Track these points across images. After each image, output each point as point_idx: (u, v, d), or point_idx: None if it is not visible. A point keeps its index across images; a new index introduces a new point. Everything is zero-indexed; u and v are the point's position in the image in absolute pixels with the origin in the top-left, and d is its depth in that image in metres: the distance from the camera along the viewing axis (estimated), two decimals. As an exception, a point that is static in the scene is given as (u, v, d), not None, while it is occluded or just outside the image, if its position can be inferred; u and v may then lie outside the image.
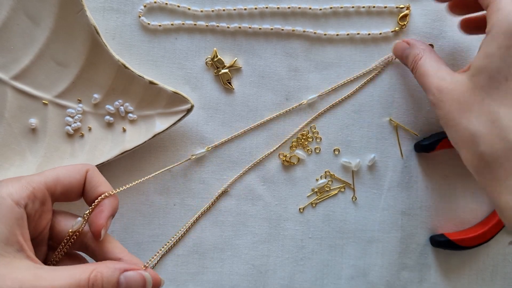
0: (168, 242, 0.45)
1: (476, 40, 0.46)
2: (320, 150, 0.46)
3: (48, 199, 0.32)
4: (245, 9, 0.45)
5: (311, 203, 0.46)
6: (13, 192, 0.29)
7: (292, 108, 0.45)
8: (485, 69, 0.32)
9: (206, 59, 0.44)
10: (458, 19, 0.45)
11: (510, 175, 0.31)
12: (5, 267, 0.27)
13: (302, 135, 0.46)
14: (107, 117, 0.43)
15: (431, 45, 0.44)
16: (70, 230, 0.33)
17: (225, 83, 0.43)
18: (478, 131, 0.32)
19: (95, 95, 0.43)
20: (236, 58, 0.44)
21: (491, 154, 0.31)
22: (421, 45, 0.40)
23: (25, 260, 0.28)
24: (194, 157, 0.44)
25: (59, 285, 0.27)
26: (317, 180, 0.46)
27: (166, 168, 0.43)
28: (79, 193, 0.34)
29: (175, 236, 0.45)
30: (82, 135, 0.43)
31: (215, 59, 0.43)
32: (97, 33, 0.41)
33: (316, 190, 0.46)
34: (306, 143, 0.46)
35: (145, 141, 0.42)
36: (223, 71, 0.44)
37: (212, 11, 0.45)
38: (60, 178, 0.32)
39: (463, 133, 0.33)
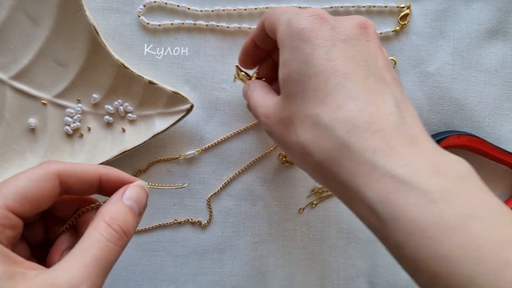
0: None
1: (476, 39, 0.46)
2: (320, 150, 0.46)
3: (18, 222, 0.26)
4: (245, 9, 0.44)
5: (311, 203, 0.46)
6: None
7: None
8: (287, 76, 0.30)
9: (234, 78, 0.44)
10: (453, 21, 0.44)
11: (350, 175, 0.27)
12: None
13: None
14: (107, 117, 0.43)
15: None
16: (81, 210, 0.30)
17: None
18: (306, 140, 0.29)
19: (95, 95, 0.43)
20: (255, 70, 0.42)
21: (326, 160, 0.28)
22: (255, 82, 0.38)
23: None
24: (182, 157, 0.44)
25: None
26: (316, 180, 0.46)
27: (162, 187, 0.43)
28: (52, 201, 0.28)
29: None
30: (82, 135, 0.43)
31: (241, 75, 0.42)
32: (97, 32, 0.41)
33: (316, 190, 0.46)
34: (306, 143, 0.46)
35: (145, 141, 0.42)
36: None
37: (212, 11, 0.44)
38: (25, 194, 0.26)
39: (296, 150, 0.30)
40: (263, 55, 0.39)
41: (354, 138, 0.27)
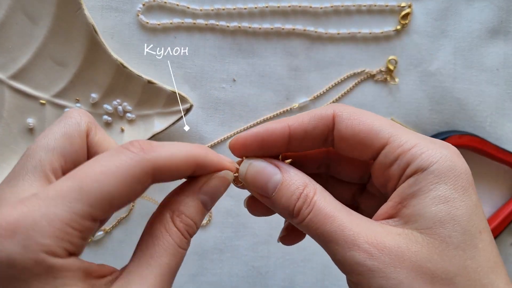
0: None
1: (477, 38, 0.46)
2: (320, 150, 0.46)
3: (96, 227, 0.23)
4: (245, 8, 0.44)
5: (312, 204, 0.46)
6: (50, 246, 0.20)
7: (285, 111, 0.45)
8: (450, 218, 0.23)
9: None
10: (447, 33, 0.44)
11: None
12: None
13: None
14: (105, 116, 0.43)
15: None
16: None
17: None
18: None
19: (93, 95, 0.43)
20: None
21: None
22: (307, 177, 0.26)
23: None
24: None
25: None
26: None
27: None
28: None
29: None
30: (80, 135, 0.43)
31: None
32: (96, 32, 0.41)
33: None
34: (307, 143, 0.45)
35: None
36: None
37: (212, 9, 0.44)
38: (113, 202, 0.22)
39: None
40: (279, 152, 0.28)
41: None
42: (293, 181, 0.25)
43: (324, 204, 0.24)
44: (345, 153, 0.27)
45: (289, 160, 0.28)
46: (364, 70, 0.45)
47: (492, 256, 0.23)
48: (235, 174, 0.27)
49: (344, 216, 0.24)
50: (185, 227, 0.24)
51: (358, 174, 0.29)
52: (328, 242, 0.23)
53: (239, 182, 0.27)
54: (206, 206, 0.25)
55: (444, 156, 0.24)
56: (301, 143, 0.27)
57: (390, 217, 0.24)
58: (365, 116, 0.25)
